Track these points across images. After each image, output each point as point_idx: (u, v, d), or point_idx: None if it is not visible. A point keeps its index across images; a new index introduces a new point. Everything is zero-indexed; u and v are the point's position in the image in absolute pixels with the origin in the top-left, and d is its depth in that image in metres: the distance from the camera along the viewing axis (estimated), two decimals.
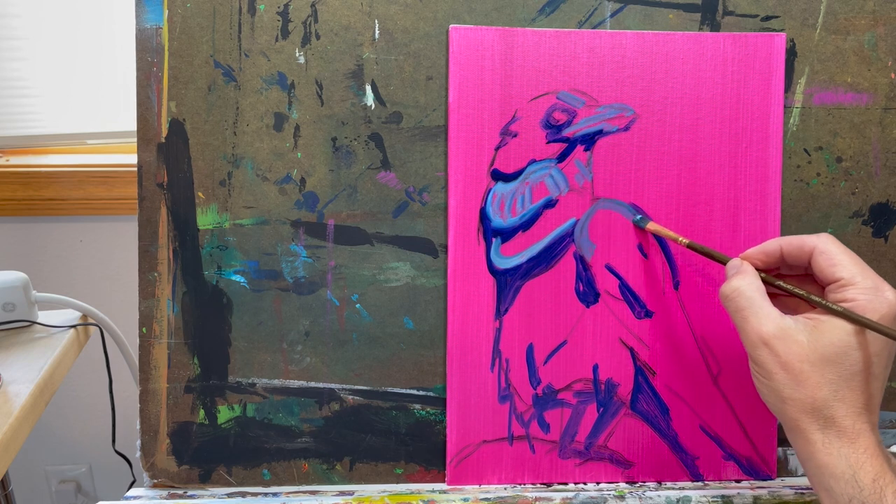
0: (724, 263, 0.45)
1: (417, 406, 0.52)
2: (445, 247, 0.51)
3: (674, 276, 0.51)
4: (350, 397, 0.52)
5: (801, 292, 0.42)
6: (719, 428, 0.52)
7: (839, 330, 0.39)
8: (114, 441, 0.80)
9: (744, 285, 0.42)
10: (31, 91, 0.99)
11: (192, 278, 0.51)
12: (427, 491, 0.51)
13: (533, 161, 0.51)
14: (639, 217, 0.50)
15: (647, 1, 0.50)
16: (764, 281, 0.43)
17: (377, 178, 0.51)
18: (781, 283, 0.43)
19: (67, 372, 0.72)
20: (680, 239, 0.48)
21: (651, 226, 0.50)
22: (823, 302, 0.40)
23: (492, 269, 0.51)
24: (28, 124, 1.00)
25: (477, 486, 0.52)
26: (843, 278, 0.40)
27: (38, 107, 1.00)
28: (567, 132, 0.51)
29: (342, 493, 0.51)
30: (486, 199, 0.51)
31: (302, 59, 0.50)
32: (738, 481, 0.52)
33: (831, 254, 0.41)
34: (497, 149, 0.50)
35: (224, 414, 0.52)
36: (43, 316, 0.76)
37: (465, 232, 0.51)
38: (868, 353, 0.39)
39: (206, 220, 0.51)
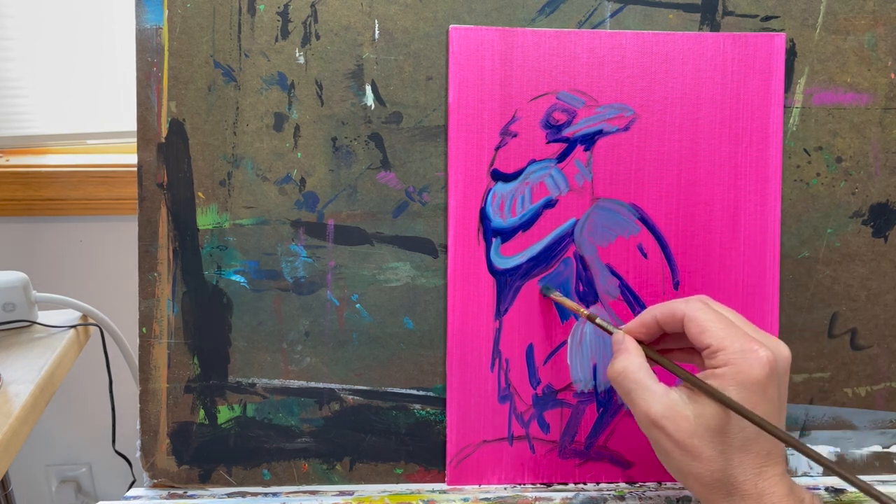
0: (610, 334, 0.45)
1: (417, 406, 0.52)
2: (445, 247, 0.51)
3: (674, 276, 0.51)
4: (350, 397, 0.52)
5: (674, 367, 0.42)
6: None
7: (716, 401, 0.39)
8: (114, 441, 0.80)
9: (627, 366, 0.42)
10: (23, 91, 0.99)
11: (192, 278, 0.51)
12: (427, 491, 0.51)
13: (533, 161, 0.51)
14: (543, 284, 0.50)
15: (646, 1, 0.50)
16: (647, 354, 0.43)
17: (377, 178, 0.51)
18: (658, 357, 0.43)
19: (67, 372, 0.72)
20: (581, 311, 0.48)
21: (555, 295, 0.50)
22: (691, 377, 0.40)
23: (492, 269, 0.51)
24: (22, 124, 1.01)
25: (477, 486, 0.52)
26: (712, 345, 0.40)
27: (32, 107, 1.00)
28: (567, 132, 0.51)
29: (342, 493, 0.51)
30: (486, 199, 0.51)
31: (302, 59, 0.50)
32: None
33: (699, 321, 0.40)
34: (497, 149, 0.51)
35: (224, 414, 0.52)
36: (43, 316, 0.76)
37: (465, 232, 0.51)
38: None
39: (206, 220, 0.51)
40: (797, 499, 0.39)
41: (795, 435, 0.53)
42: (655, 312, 0.43)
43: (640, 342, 0.44)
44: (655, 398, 0.40)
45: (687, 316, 0.41)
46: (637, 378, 0.41)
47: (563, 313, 0.51)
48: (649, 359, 0.43)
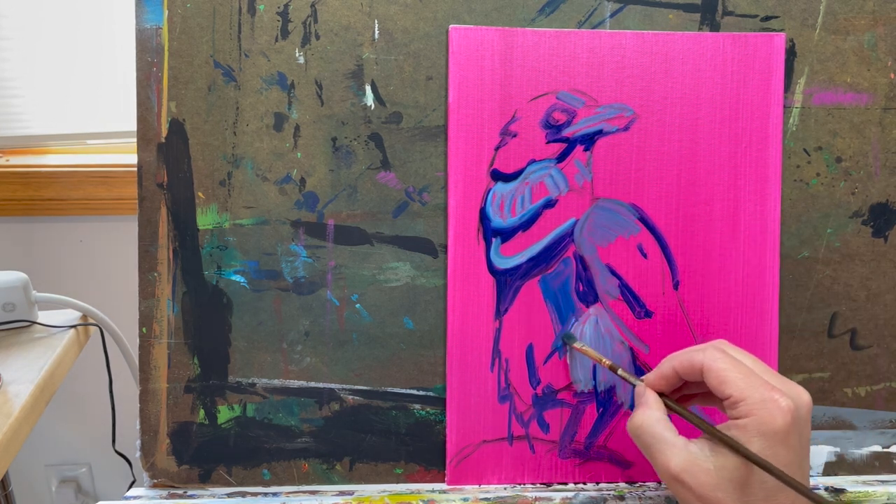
0: (634, 385, 0.45)
1: (417, 406, 0.52)
2: (445, 247, 0.51)
3: (674, 276, 0.51)
4: (350, 397, 0.52)
5: (695, 419, 0.41)
6: None
7: (737, 453, 0.38)
8: (114, 441, 0.80)
9: (645, 421, 0.41)
10: (21, 91, 0.99)
11: (192, 278, 0.51)
12: (427, 491, 0.51)
13: (533, 161, 0.51)
14: (565, 334, 0.51)
15: (646, 1, 0.50)
16: (668, 406, 0.43)
17: (377, 178, 0.51)
18: (679, 408, 0.43)
19: (67, 372, 0.72)
20: (603, 361, 0.48)
21: (577, 346, 0.50)
22: (712, 429, 0.40)
23: (492, 269, 0.51)
24: (20, 124, 1.01)
25: (477, 486, 0.52)
26: (733, 395, 0.39)
27: (30, 107, 1.00)
28: (567, 132, 0.51)
29: (342, 493, 0.51)
30: (486, 199, 0.51)
31: (302, 60, 0.50)
32: None
33: (717, 371, 0.40)
34: (497, 149, 0.51)
35: (224, 414, 0.52)
36: (43, 316, 0.76)
37: (464, 232, 0.51)
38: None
39: (206, 220, 0.51)
40: None
41: None
42: (674, 363, 0.42)
43: (661, 393, 0.43)
44: (674, 451, 0.40)
45: (705, 367, 0.41)
46: (655, 432, 0.41)
47: (563, 314, 0.51)
48: (671, 410, 0.43)
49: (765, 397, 0.38)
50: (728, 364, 0.40)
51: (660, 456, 0.40)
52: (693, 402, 0.46)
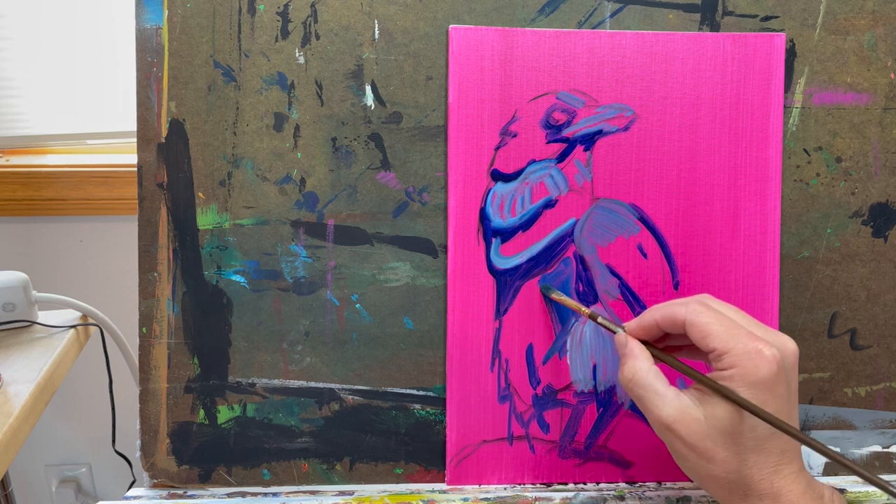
0: (614, 333, 0.45)
1: (417, 406, 0.52)
2: (445, 247, 0.51)
3: (674, 277, 0.51)
4: (350, 397, 0.52)
5: (684, 367, 0.41)
6: None
7: (727, 402, 0.39)
8: (114, 441, 0.80)
9: (637, 372, 0.42)
10: (20, 91, 0.99)
11: (192, 278, 0.51)
12: (427, 491, 0.51)
13: (533, 161, 0.51)
14: (542, 284, 0.50)
15: (646, 1, 0.50)
16: (654, 355, 0.43)
17: (377, 178, 0.51)
18: (667, 357, 0.43)
19: (67, 372, 0.72)
20: (582, 309, 0.48)
21: (556, 295, 0.50)
22: (702, 377, 0.40)
23: (492, 269, 0.51)
24: (20, 124, 1.01)
25: (477, 486, 0.52)
26: (717, 348, 0.39)
27: (29, 107, 1.00)
28: (567, 132, 0.51)
29: (342, 493, 0.51)
30: (486, 199, 0.51)
31: (302, 60, 0.50)
32: None
33: (700, 325, 0.40)
34: (497, 149, 0.51)
35: (224, 414, 0.52)
36: (43, 316, 0.76)
37: (464, 232, 0.51)
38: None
39: (206, 220, 0.51)
40: (816, 495, 0.39)
41: None
42: (656, 316, 0.42)
43: (645, 342, 0.44)
44: (666, 402, 0.40)
45: (688, 321, 0.41)
46: (647, 383, 0.41)
47: (563, 313, 0.51)
48: (657, 359, 0.43)
49: (749, 348, 0.38)
50: (711, 317, 0.40)
51: (652, 407, 0.40)
52: (678, 354, 0.45)
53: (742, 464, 0.39)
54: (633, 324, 0.44)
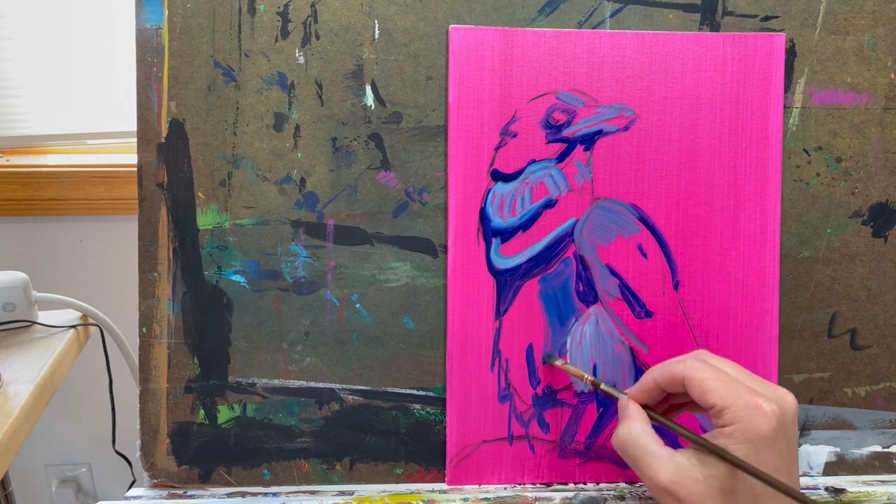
0: (617, 399, 0.45)
1: (417, 406, 0.52)
2: (445, 247, 0.51)
3: (674, 276, 0.51)
4: (350, 397, 0.52)
5: (680, 429, 0.41)
6: None
7: (723, 460, 0.38)
8: (114, 441, 0.80)
9: (630, 434, 0.41)
10: (20, 91, 0.99)
11: (192, 278, 0.51)
12: (427, 491, 0.51)
13: (533, 161, 0.51)
14: (545, 354, 0.51)
15: (646, 1, 0.50)
16: (652, 418, 0.43)
17: (377, 178, 0.51)
18: (663, 419, 0.43)
19: (67, 372, 0.72)
20: (585, 377, 0.48)
21: (558, 364, 0.50)
22: (697, 438, 0.39)
23: (492, 269, 0.51)
24: (19, 124, 1.01)
25: (477, 486, 0.52)
26: (717, 404, 0.39)
27: (29, 107, 1.00)
28: (567, 132, 0.51)
29: (342, 493, 0.51)
30: (486, 199, 0.51)
31: (302, 59, 0.50)
32: None
33: (699, 381, 0.40)
34: (497, 149, 0.51)
35: (224, 414, 0.52)
36: (43, 316, 0.76)
37: (464, 232, 0.51)
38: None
39: (206, 220, 0.51)
40: None
41: None
42: (656, 376, 0.42)
43: (646, 406, 0.43)
44: (662, 463, 0.39)
45: (687, 378, 0.40)
46: (640, 444, 0.41)
47: (563, 314, 0.51)
48: (654, 421, 0.43)
49: (748, 403, 0.38)
50: (709, 373, 0.40)
51: (647, 469, 0.40)
52: (681, 411, 0.45)
53: None
54: (634, 388, 0.44)
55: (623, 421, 0.43)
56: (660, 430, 0.43)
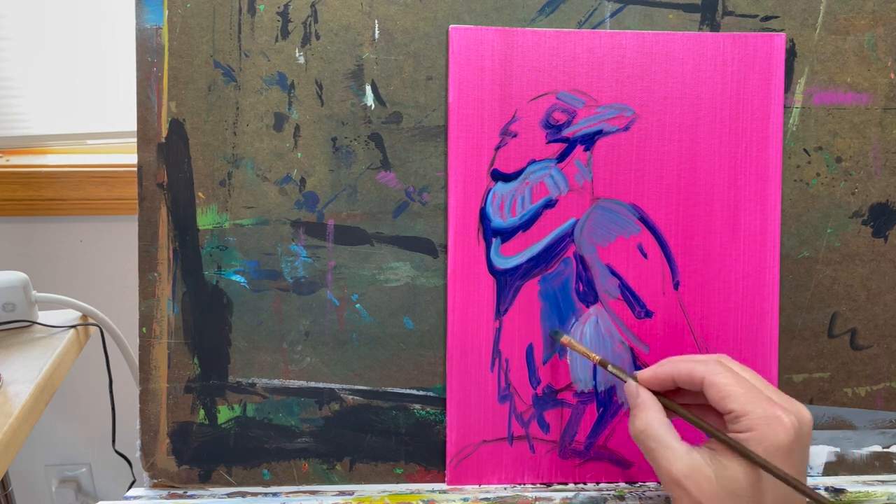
0: (624, 381, 0.45)
1: (417, 406, 0.52)
2: (445, 247, 0.51)
3: (674, 276, 0.51)
4: (350, 397, 0.52)
5: (700, 422, 0.41)
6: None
7: (740, 463, 0.38)
8: (114, 441, 0.80)
9: (650, 424, 0.41)
10: (20, 91, 0.99)
11: (192, 278, 0.51)
12: (427, 491, 0.51)
13: (533, 161, 0.51)
14: (552, 330, 0.51)
15: (646, 1, 0.50)
16: (665, 406, 0.42)
17: (377, 178, 0.51)
18: (681, 410, 0.42)
19: (67, 372, 0.72)
20: (592, 356, 0.47)
21: (566, 339, 0.50)
22: (720, 434, 0.39)
23: (492, 269, 0.51)
24: (19, 124, 1.01)
25: (477, 486, 0.52)
26: (735, 410, 0.39)
27: (29, 107, 1.00)
28: (567, 132, 0.51)
29: (342, 493, 0.51)
30: (486, 199, 0.51)
31: (302, 60, 0.50)
32: None
33: (720, 386, 0.40)
34: (497, 149, 0.51)
35: (224, 414, 0.52)
36: (43, 316, 0.76)
37: (464, 232, 0.51)
38: (774, 480, 0.38)
39: (206, 220, 0.51)
40: None
41: None
42: (672, 371, 0.42)
43: (656, 393, 0.43)
44: (677, 457, 0.40)
45: (707, 381, 0.40)
46: (658, 435, 0.41)
47: (564, 314, 0.51)
48: (670, 412, 0.43)
49: (768, 413, 0.38)
50: (730, 379, 0.40)
51: (662, 460, 0.40)
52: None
53: None
54: (646, 373, 0.44)
55: (638, 410, 0.42)
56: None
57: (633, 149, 0.51)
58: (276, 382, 0.52)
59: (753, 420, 0.38)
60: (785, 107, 0.51)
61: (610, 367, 0.46)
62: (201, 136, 0.51)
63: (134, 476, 0.78)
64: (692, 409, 0.44)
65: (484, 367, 0.51)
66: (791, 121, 0.51)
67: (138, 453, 0.52)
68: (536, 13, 0.50)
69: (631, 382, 0.44)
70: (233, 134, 0.51)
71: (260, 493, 0.51)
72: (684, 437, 0.41)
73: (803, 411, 0.40)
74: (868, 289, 0.52)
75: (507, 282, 0.51)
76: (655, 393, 0.43)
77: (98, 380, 0.80)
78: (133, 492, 0.52)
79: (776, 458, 0.38)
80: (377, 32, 0.50)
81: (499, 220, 0.51)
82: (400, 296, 0.52)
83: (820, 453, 0.53)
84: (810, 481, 0.52)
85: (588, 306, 0.51)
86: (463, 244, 0.51)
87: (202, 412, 0.52)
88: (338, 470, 0.52)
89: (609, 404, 0.52)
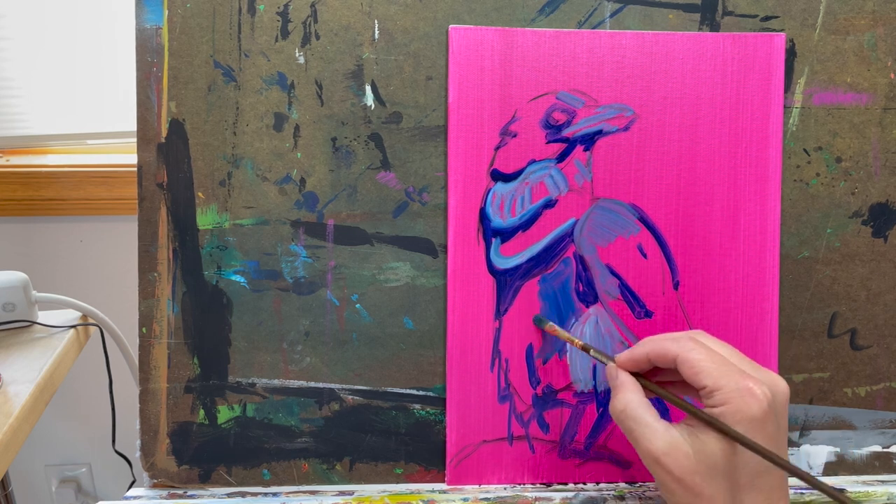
0: (605, 364, 0.45)
1: (417, 406, 0.52)
2: (445, 247, 0.51)
3: (674, 276, 0.51)
4: (350, 397, 0.52)
5: (676, 399, 0.41)
6: None
7: (716, 437, 0.38)
8: (114, 441, 0.80)
9: (628, 405, 0.41)
10: (20, 91, 0.99)
11: (192, 278, 0.51)
12: (427, 491, 0.51)
13: (533, 161, 0.51)
14: (535, 318, 0.51)
15: (646, 1, 0.50)
16: (645, 386, 0.43)
17: (377, 178, 0.51)
18: (658, 388, 0.43)
19: (67, 372, 0.72)
20: (575, 341, 0.48)
21: (548, 327, 0.50)
22: (694, 410, 0.40)
23: (491, 269, 0.51)
24: (19, 124, 1.01)
25: (477, 486, 0.52)
26: (708, 385, 0.39)
27: (29, 107, 1.00)
28: (567, 132, 0.51)
29: (342, 493, 0.51)
30: (486, 199, 0.51)
31: (302, 60, 0.50)
32: None
33: (692, 362, 0.40)
34: (497, 149, 0.51)
35: (224, 414, 0.52)
36: (43, 316, 0.76)
37: (464, 232, 0.51)
38: (750, 453, 0.38)
39: (206, 220, 0.51)
40: None
41: (795, 435, 0.53)
42: (647, 350, 0.42)
43: (637, 375, 0.43)
44: (657, 435, 0.40)
45: (679, 357, 0.41)
46: (637, 415, 0.41)
47: (563, 314, 0.51)
48: (648, 391, 0.43)
49: (740, 386, 0.38)
50: (702, 354, 0.40)
51: (642, 439, 0.40)
52: (668, 389, 0.45)
53: (732, 500, 0.38)
54: (623, 356, 0.44)
55: (618, 391, 0.43)
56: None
57: (632, 149, 0.51)
58: (276, 382, 0.52)
59: (726, 394, 0.39)
60: (785, 107, 0.51)
61: (592, 352, 0.46)
62: (201, 136, 0.51)
63: (134, 476, 0.78)
64: (672, 387, 0.44)
65: (484, 367, 0.51)
66: (791, 121, 0.51)
67: (138, 453, 0.52)
68: (536, 13, 0.50)
69: (610, 364, 0.44)
70: (233, 134, 0.51)
71: (260, 493, 0.51)
72: (673, 419, 0.41)
73: (778, 382, 0.40)
74: (868, 289, 0.52)
75: (506, 282, 0.51)
76: (636, 374, 0.43)
77: (98, 380, 0.80)
78: (133, 492, 0.52)
79: (750, 431, 0.38)
80: (377, 32, 0.50)
81: (499, 220, 0.51)
82: (400, 296, 0.52)
83: (820, 453, 0.53)
84: None
85: (588, 306, 0.51)
86: (463, 244, 0.51)
87: (202, 412, 0.52)
88: (338, 470, 0.52)
89: (609, 404, 0.52)
